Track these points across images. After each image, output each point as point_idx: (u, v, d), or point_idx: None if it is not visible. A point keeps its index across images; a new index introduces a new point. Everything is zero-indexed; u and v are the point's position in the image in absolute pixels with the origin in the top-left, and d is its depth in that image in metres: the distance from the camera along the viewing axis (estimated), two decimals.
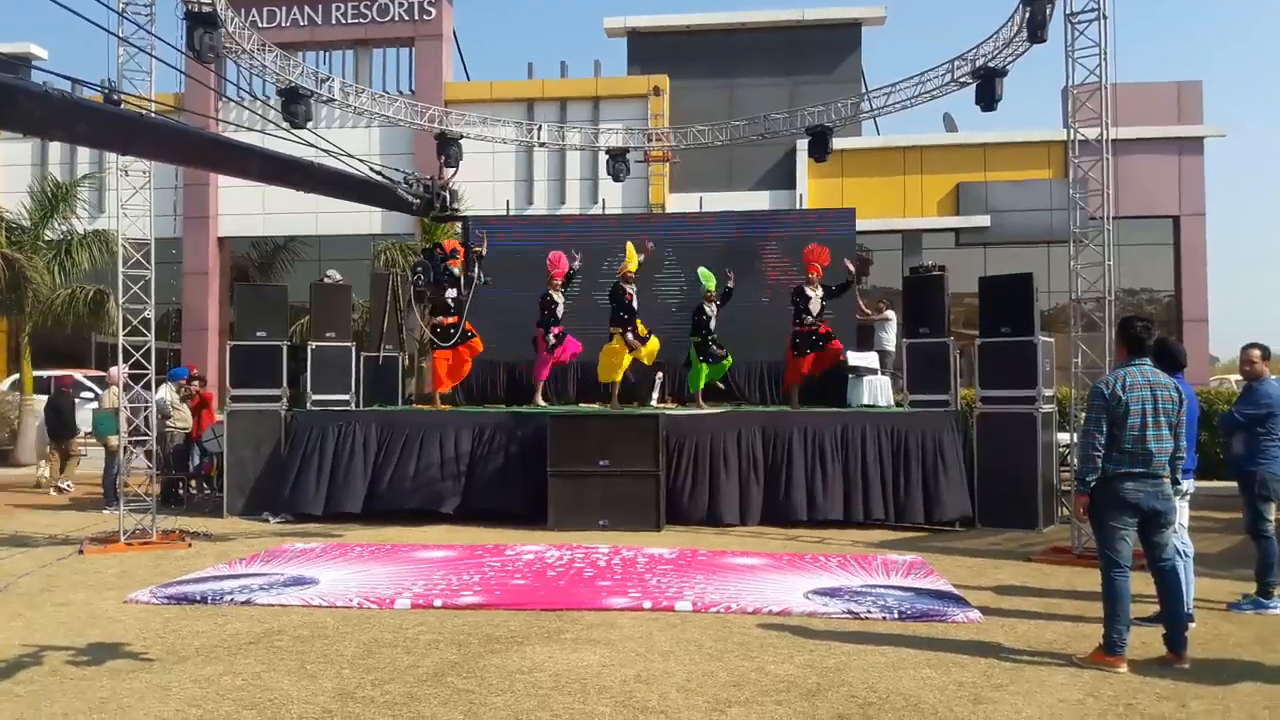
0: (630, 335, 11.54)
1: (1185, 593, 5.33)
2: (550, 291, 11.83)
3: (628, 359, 11.64)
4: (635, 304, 11.69)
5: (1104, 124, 8.86)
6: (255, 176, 5.28)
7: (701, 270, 11.93)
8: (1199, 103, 22.66)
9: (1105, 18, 8.79)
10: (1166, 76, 25.54)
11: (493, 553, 8.43)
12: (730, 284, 11.88)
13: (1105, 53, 8.80)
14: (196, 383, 12.98)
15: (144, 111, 6.22)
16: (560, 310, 11.89)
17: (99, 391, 16.12)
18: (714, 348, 11.78)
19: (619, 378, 11.75)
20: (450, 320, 11.57)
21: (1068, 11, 9.01)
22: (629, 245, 11.89)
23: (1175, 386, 5.16)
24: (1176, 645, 5.09)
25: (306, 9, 24.11)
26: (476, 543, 8.99)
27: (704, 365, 11.83)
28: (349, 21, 24.17)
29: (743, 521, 10.00)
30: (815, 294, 11.67)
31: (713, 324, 11.81)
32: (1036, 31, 10.82)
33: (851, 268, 12.21)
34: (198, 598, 6.67)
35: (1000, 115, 13.19)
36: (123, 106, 5.44)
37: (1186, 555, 5.78)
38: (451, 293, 11.49)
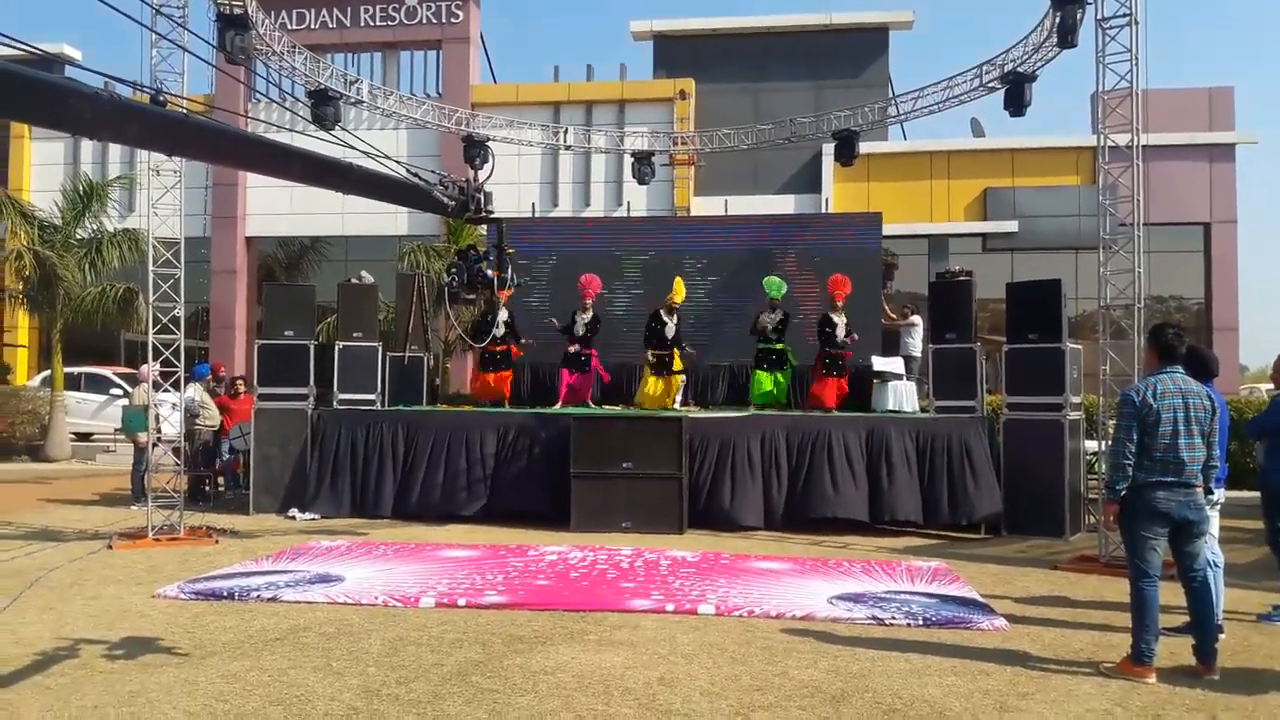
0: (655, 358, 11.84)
1: (1215, 603, 5.26)
2: (576, 311, 12.19)
3: (660, 387, 11.85)
4: (670, 333, 11.88)
5: (1135, 130, 8.78)
6: (296, 177, 5.34)
7: (768, 280, 12.11)
8: (1231, 109, 22.39)
9: (1137, 23, 8.71)
10: (1198, 82, 25.23)
11: (516, 553, 8.45)
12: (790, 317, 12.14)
13: (1136, 58, 8.73)
14: (240, 381, 13.15)
15: (188, 112, 6.31)
16: (579, 329, 12.16)
17: (128, 389, 16.34)
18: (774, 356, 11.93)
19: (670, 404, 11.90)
20: (500, 348, 12.17)
21: (1099, 17, 8.94)
22: (677, 279, 12.15)
23: (1208, 394, 5.10)
24: (1206, 656, 5.03)
25: (335, 12, 24.30)
26: (500, 543, 9.03)
27: (762, 373, 11.91)
28: (377, 24, 24.34)
29: (766, 525, 9.97)
30: (840, 320, 11.77)
31: (772, 334, 11.95)
32: (1067, 36, 10.75)
33: (892, 317, 12.48)
34: (225, 594, 6.74)
35: (1028, 120, 13.08)
36: (168, 107, 5.53)
37: (1217, 565, 5.71)
38: (502, 323, 12.02)
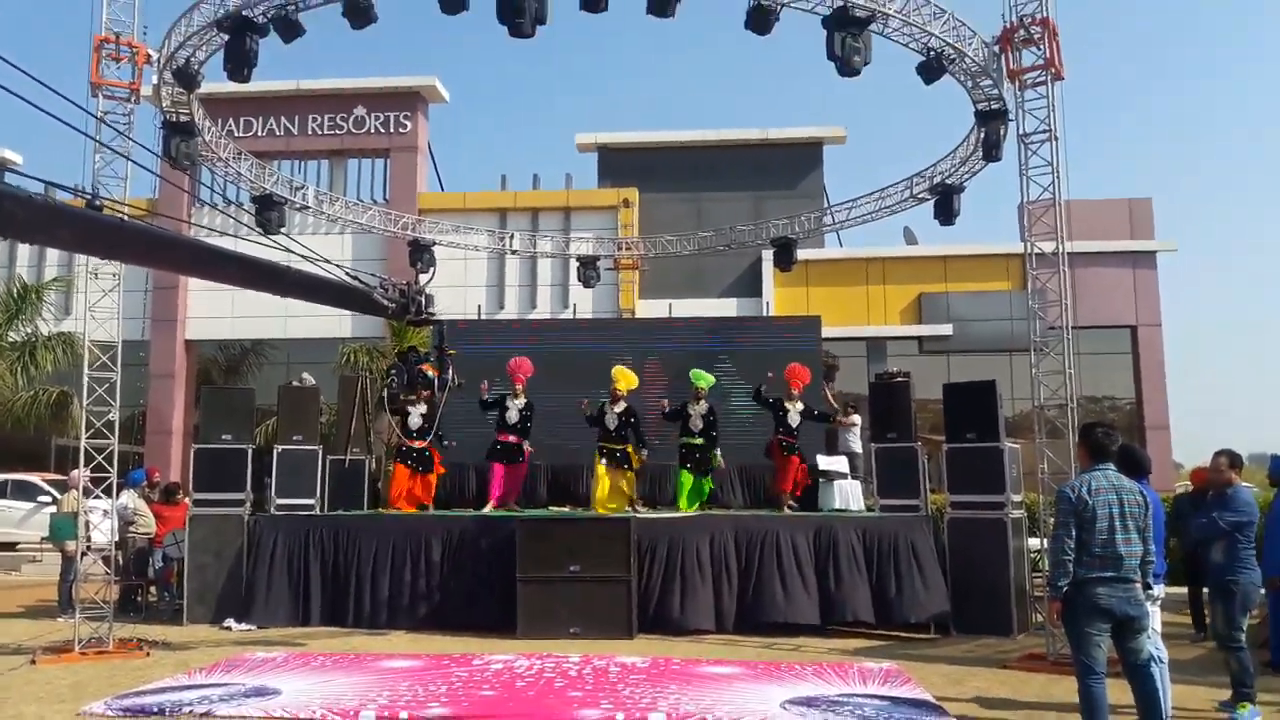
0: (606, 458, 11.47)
1: (1163, 699, 5.31)
2: (507, 397, 11.88)
3: (607, 484, 11.45)
4: (610, 424, 11.48)
5: (1059, 238, 9.23)
6: (235, 281, 5.38)
7: (695, 371, 11.95)
8: (1150, 218, 23.56)
9: (1056, 139, 9.24)
10: (1118, 193, 26.59)
11: (460, 662, 8.23)
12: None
13: (1057, 171, 9.23)
14: (176, 487, 12.79)
15: (124, 217, 6.31)
16: (511, 416, 11.81)
17: (57, 495, 15.78)
18: (699, 455, 11.63)
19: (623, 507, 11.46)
20: (419, 444, 11.72)
21: (1020, 132, 9.47)
22: (616, 367, 11.80)
23: (1140, 490, 5.25)
24: None
25: (284, 120, 24.63)
26: (443, 651, 8.78)
27: (685, 473, 11.63)
28: (325, 132, 24.71)
29: (717, 627, 9.84)
30: (794, 408, 11.83)
31: (694, 425, 11.65)
32: (991, 151, 11.35)
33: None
34: (155, 709, 6.45)
35: (959, 228, 13.70)
36: (104, 213, 5.53)
37: (1161, 661, 5.76)
38: (417, 418, 11.59)
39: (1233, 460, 6.89)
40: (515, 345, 13.60)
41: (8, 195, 3.70)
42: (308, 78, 24.69)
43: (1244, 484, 6.94)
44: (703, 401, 11.75)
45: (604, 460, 11.50)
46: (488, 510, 11.57)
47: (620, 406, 11.55)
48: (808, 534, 10.16)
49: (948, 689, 7.21)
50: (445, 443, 12.08)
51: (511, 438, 11.83)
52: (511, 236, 18.64)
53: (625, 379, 11.67)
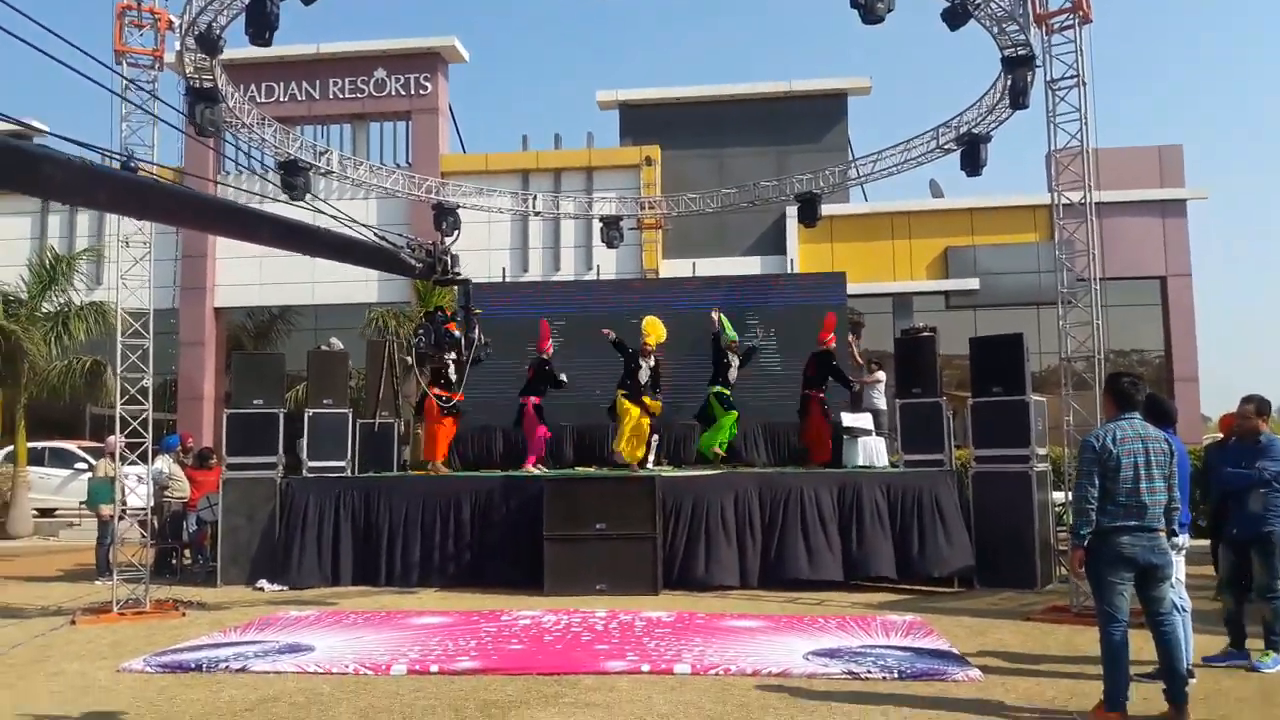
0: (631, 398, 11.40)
1: (1184, 648, 5.31)
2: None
3: (640, 421, 11.40)
4: (644, 378, 11.37)
5: (1087, 187, 9.08)
6: (266, 241, 5.40)
7: (722, 317, 11.87)
8: (1180, 166, 23.11)
9: (1084, 84, 9.06)
10: (1147, 140, 26.07)
11: (489, 618, 8.36)
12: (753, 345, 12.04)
13: (1085, 118, 9.06)
14: (210, 452, 13.00)
15: (157, 178, 6.38)
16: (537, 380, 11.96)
17: (92, 462, 16.10)
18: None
19: (641, 454, 11.52)
20: (457, 396, 11.76)
21: (1048, 79, 9.29)
22: (647, 319, 11.66)
23: (1165, 439, 5.21)
24: (1177, 698, 5.05)
25: (304, 85, 24.61)
26: (472, 608, 8.93)
27: (729, 415, 11.54)
28: (346, 96, 24.66)
29: (741, 584, 9.93)
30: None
31: (733, 374, 11.71)
32: (1018, 98, 11.12)
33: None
34: (192, 665, 6.61)
35: (986, 180, 13.48)
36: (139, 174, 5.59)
37: (1184, 610, 5.76)
38: (450, 361, 11.61)
39: (1260, 407, 6.68)
40: (540, 307, 13.65)
41: (46, 158, 3.77)
42: (326, 41, 24.64)
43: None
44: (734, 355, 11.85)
45: (630, 399, 11.38)
46: (541, 470, 11.77)
47: (652, 361, 11.49)
48: (831, 490, 10.18)
49: (971, 641, 7.25)
50: (486, 342, 11.46)
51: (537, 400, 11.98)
52: (534, 198, 18.62)
53: (655, 331, 11.52)
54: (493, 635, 7.60)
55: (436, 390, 11.23)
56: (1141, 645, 5.47)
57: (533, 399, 11.96)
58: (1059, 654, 6.78)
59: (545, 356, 12.10)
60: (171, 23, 9.92)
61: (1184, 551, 5.97)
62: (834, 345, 11.96)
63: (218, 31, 10.85)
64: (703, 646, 7.01)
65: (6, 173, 3.81)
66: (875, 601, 9.18)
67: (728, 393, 11.64)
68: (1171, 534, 5.22)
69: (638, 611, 8.50)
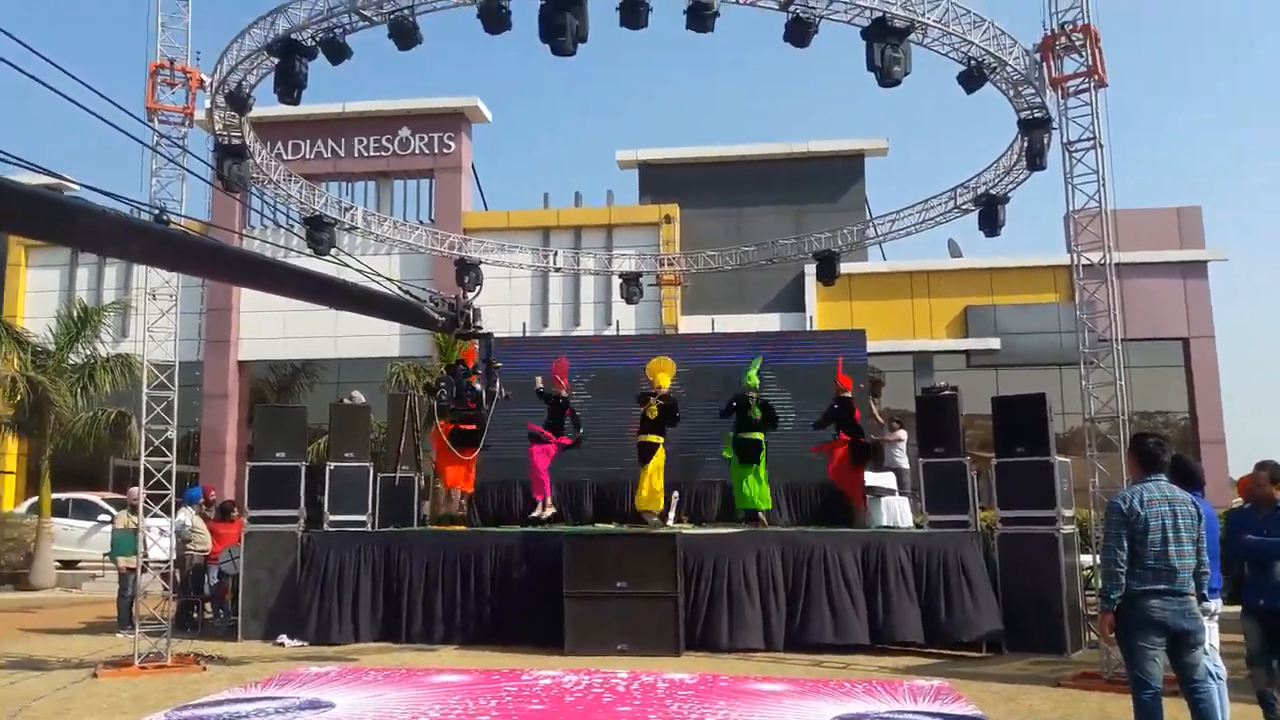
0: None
1: (1222, 717, 5.21)
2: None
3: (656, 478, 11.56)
4: (654, 417, 11.68)
5: (1106, 248, 9.13)
6: (294, 293, 5.52)
7: (751, 363, 12.07)
8: (1200, 227, 23.15)
9: (1101, 146, 9.16)
10: (1166, 202, 26.12)
11: (509, 677, 8.30)
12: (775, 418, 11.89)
13: (1103, 179, 9.15)
14: (231, 506, 13.04)
15: (189, 231, 6.55)
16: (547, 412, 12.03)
17: (115, 514, 16.16)
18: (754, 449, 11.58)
19: (659, 506, 11.66)
20: (471, 428, 11.82)
21: (1065, 140, 9.40)
22: (652, 361, 11.97)
23: (1193, 502, 5.16)
24: None
25: (330, 142, 25.12)
26: (493, 667, 8.86)
27: (741, 470, 11.57)
28: (371, 154, 25.14)
29: (766, 646, 9.78)
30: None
31: (755, 415, 11.64)
32: (1035, 159, 11.26)
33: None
34: None
35: (1006, 240, 13.60)
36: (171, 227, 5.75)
37: (1220, 678, 5.65)
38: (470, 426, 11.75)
39: (1274, 475, 6.37)
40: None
41: (84, 211, 3.92)
42: (352, 100, 25.21)
43: None
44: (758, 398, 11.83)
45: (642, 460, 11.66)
46: (548, 514, 11.79)
47: (662, 397, 11.72)
48: (856, 551, 10.06)
49: (1000, 707, 7.13)
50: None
51: (543, 430, 12.11)
52: (555, 254, 18.84)
53: (664, 370, 11.84)
54: (513, 695, 7.53)
55: (458, 425, 11.38)
56: (1177, 715, 5.36)
57: (539, 443, 12.04)
58: None
59: (564, 396, 12.22)
60: (203, 81, 10.21)
61: (1216, 617, 5.87)
62: (851, 393, 11.95)
63: (247, 90, 11.18)
64: (727, 710, 6.92)
65: (47, 224, 3.94)
66: (902, 665, 9.04)
67: (745, 436, 11.63)
68: (1202, 599, 5.15)
69: (660, 673, 8.42)
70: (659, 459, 11.68)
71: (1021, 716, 6.83)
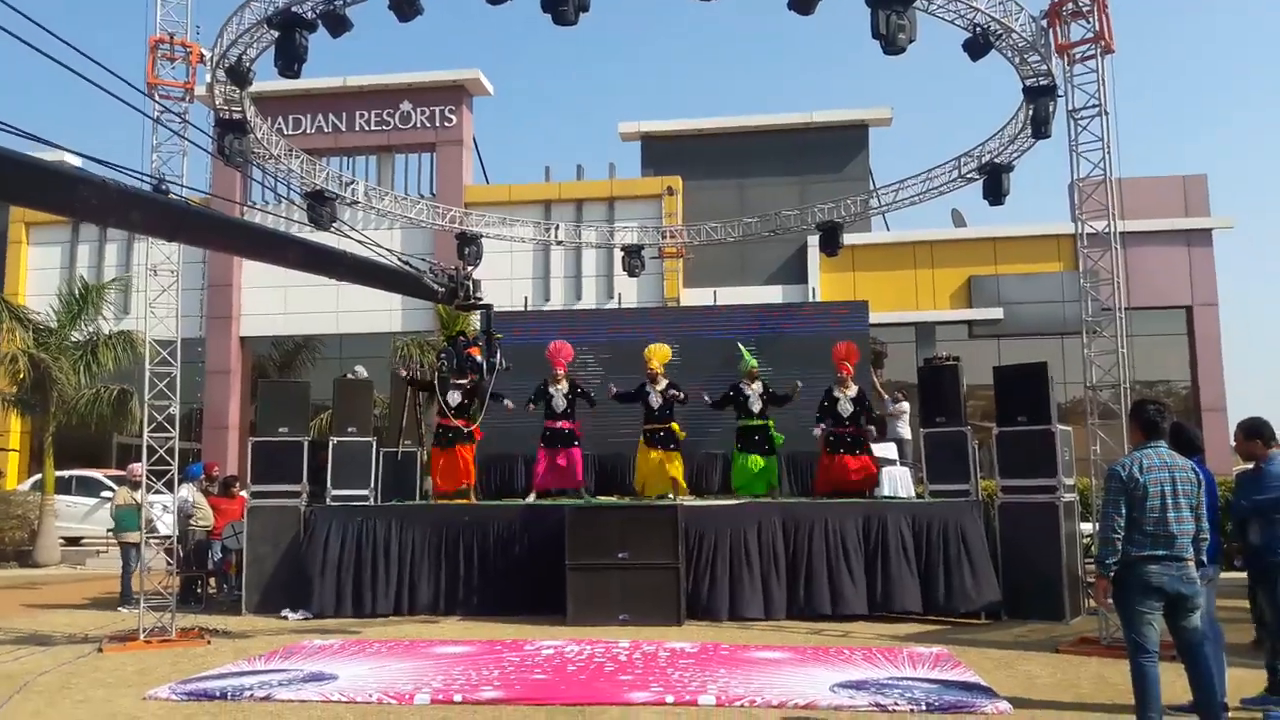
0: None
1: (1218, 680, 5.22)
2: (547, 383, 11.63)
3: (655, 460, 11.27)
4: (655, 403, 11.31)
5: (1111, 217, 9.04)
6: (293, 264, 5.50)
7: (741, 345, 11.72)
8: (1205, 195, 23.02)
9: (1107, 113, 9.06)
10: (1171, 170, 25.98)
11: (511, 648, 8.34)
12: (790, 392, 11.33)
13: (1108, 147, 9.05)
14: (235, 481, 13.06)
15: (189, 202, 6.53)
16: (558, 403, 11.56)
17: (116, 489, 16.23)
18: (758, 436, 11.24)
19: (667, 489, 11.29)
20: (448, 422, 11.50)
21: (1070, 108, 9.30)
22: (649, 347, 11.63)
23: (1193, 468, 5.16)
24: None
25: (331, 116, 25.01)
26: (495, 638, 8.91)
27: (741, 455, 11.27)
28: (372, 128, 25.03)
29: (766, 615, 9.84)
30: (845, 395, 11.21)
31: (754, 406, 11.32)
32: (1040, 128, 11.15)
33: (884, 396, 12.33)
34: (217, 694, 6.62)
35: (1009, 209, 13.50)
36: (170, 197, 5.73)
37: (1216, 641, 5.67)
38: (454, 397, 11.49)
39: (1249, 431, 6.26)
40: (561, 335, 13.67)
41: (84, 181, 3.91)
42: (353, 74, 25.04)
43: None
44: (757, 381, 11.51)
45: (647, 442, 11.36)
46: (530, 499, 11.57)
47: (662, 384, 11.37)
48: (856, 522, 10.09)
49: (999, 673, 7.16)
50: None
51: (561, 424, 11.62)
52: (556, 228, 18.76)
53: (658, 355, 11.47)
54: (516, 665, 7.57)
55: (436, 422, 11.18)
56: (1173, 679, 5.38)
57: (568, 445, 11.60)
58: (1089, 687, 6.67)
59: (581, 388, 11.92)
60: (203, 56, 10.12)
61: (1213, 582, 5.88)
62: (850, 375, 11.57)
63: (248, 64, 11.09)
64: (727, 678, 6.96)
65: (46, 193, 3.93)
66: (901, 633, 9.08)
67: (752, 424, 11.37)
68: (1200, 564, 5.15)
69: (661, 642, 8.45)
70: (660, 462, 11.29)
71: (1020, 682, 6.85)
